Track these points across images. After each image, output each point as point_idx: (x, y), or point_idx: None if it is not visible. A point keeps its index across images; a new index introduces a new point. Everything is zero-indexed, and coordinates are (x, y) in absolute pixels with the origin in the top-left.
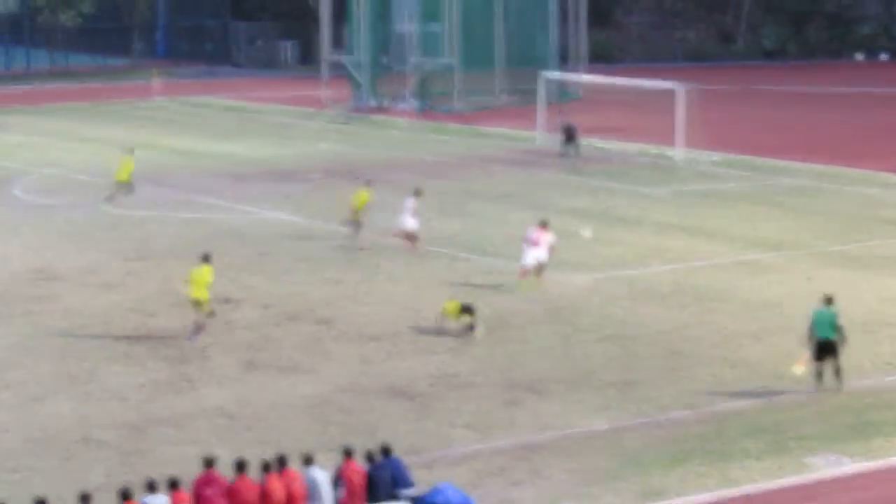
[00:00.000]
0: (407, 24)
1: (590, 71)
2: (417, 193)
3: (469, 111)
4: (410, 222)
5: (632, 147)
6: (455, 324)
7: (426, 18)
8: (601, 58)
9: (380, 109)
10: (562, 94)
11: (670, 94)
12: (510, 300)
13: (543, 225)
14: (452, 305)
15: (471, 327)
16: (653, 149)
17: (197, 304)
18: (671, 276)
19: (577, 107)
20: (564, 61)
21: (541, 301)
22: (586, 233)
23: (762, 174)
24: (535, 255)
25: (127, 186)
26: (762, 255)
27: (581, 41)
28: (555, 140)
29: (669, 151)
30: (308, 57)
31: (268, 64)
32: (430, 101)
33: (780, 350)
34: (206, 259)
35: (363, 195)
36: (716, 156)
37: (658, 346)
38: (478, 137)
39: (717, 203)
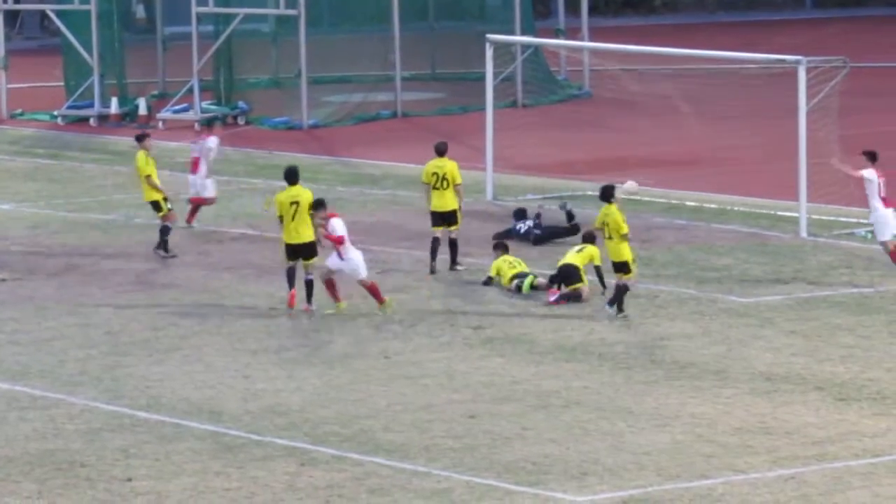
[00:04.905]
0: None
1: (601, 33)
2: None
3: (330, 123)
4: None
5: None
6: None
7: None
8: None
9: (124, 121)
10: (539, 81)
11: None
12: None
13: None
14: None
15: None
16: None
17: None
18: None
19: (581, 114)
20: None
21: None
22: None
23: None
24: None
25: None
26: None
27: None
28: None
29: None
30: None
31: None
32: (236, 104)
33: None
34: None
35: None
36: None
37: None
38: (355, 183)
39: None
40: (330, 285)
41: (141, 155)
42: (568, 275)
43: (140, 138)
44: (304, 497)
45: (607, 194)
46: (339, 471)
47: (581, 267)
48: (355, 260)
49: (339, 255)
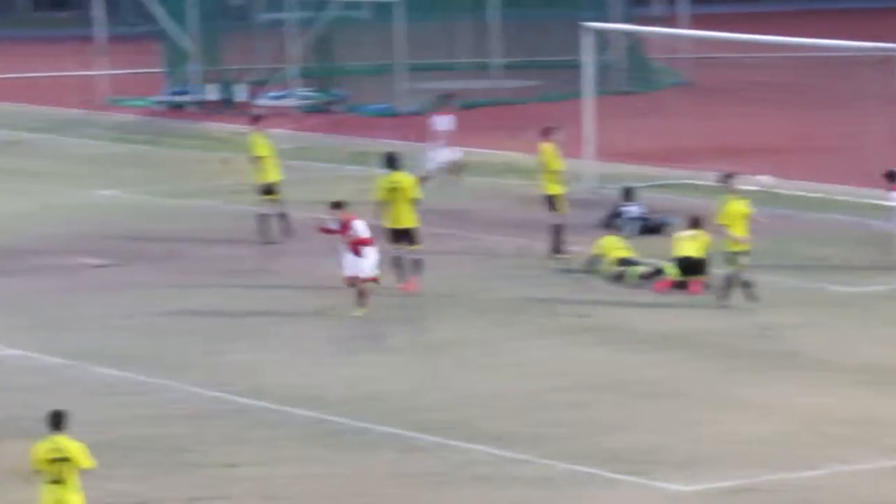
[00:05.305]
0: None
1: (700, 21)
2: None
3: (423, 110)
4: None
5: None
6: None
7: None
8: None
9: (221, 108)
10: (637, 69)
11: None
12: None
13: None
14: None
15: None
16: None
17: None
18: None
19: (680, 102)
20: None
21: None
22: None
23: None
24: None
25: None
26: None
27: None
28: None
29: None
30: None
31: None
32: (334, 91)
33: None
34: None
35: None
36: None
37: None
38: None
39: None
40: (362, 292)
41: (255, 136)
42: (693, 268)
43: (255, 119)
44: (408, 484)
45: (722, 181)
46: (442, 458)
47: (703, 258)
48: (372, 258)
49: (357, 254)
